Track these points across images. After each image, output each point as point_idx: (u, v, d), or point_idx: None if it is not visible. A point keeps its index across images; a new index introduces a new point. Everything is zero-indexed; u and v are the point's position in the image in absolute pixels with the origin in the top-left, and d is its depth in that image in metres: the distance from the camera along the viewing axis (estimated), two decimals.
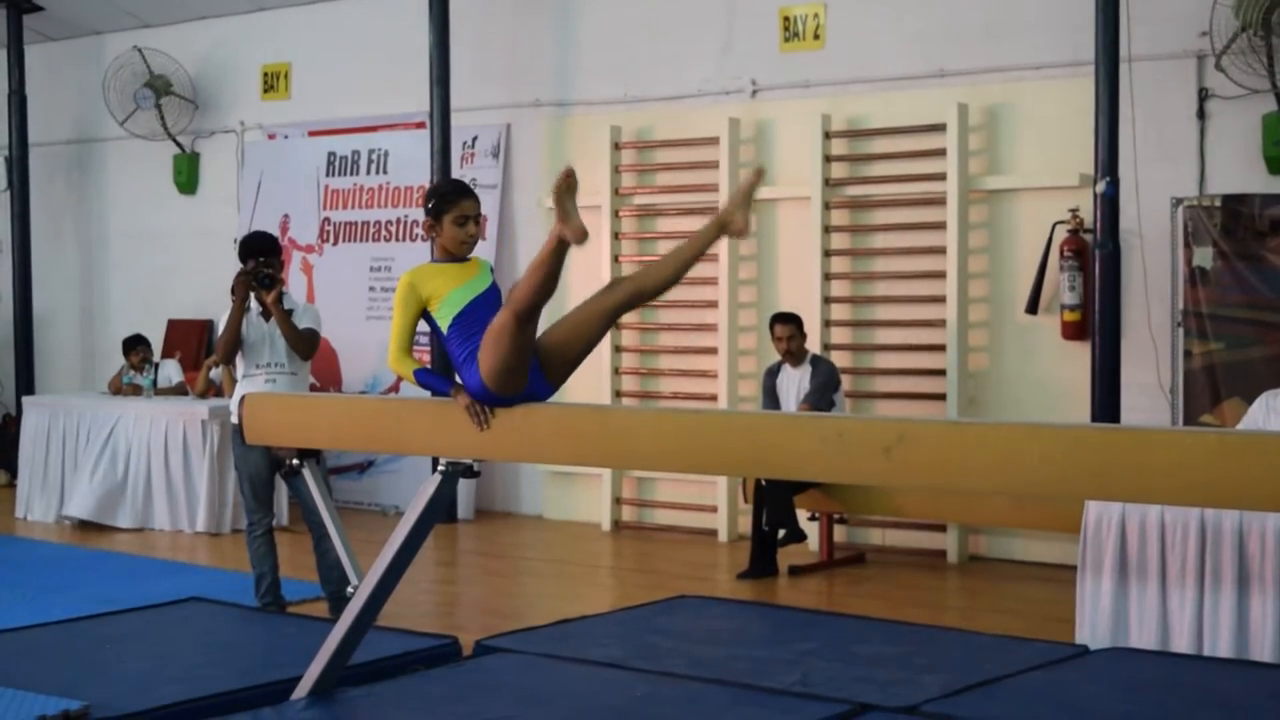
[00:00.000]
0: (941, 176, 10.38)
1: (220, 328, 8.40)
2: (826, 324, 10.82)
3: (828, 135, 10.88)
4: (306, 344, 8.33)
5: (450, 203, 5.67)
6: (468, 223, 5.67)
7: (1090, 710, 6.09)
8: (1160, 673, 6.66)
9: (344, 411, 6.43)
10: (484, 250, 12.45)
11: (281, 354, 8.31)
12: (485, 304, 5.53)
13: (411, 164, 12.81)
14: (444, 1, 11.90)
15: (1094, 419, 9.23)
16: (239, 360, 8.36)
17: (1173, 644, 7.15)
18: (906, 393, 10.61)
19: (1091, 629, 7.34)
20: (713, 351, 11.36)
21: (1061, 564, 9.36)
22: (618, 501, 11.72)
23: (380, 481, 12.62)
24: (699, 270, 11.18)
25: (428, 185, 11.92)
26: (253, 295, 8.30)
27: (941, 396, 10.35)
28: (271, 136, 14.04)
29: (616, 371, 11.70)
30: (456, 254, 5.68)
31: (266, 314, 8.30)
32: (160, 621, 7.84)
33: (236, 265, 8.45)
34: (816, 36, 11.14)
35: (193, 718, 5.96)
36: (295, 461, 7.73)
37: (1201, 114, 9.72)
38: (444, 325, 5.52)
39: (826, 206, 10.87)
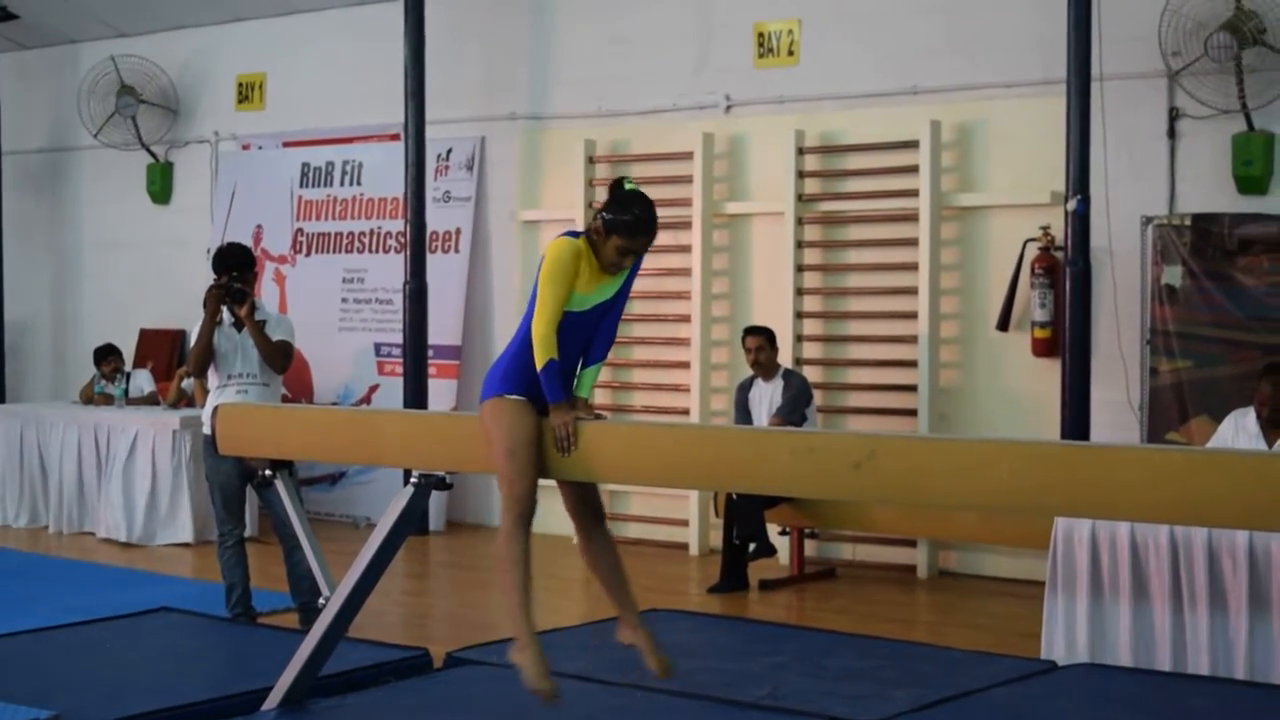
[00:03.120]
0: (914, 193, 10.42)
1: (192, 339, 8.40)
2: (799, 339, 10.86)
3: (801, 151, 10.92)
4: (281, 356, 8.34)
5: (629, 234, 5.24)
6: (627, 257, 5.31)
7: None
8: (1128, 688, 6.70)
9: (316, 422, 6.46)
10: (457, 264, 12.48)
11: (254, 364, 8.31)
12: (583, 321, 5.33)
13: (386, 176, 12.81)
14: (419, 14, 11.91)
15: (1063, 436, 9.27)
16: (211, 371, 8.35)
17: (1140, 660, 7.19)
18: (878, 408, 10.65)
19: (1059, 645, 7.38)
20: (685, 365, 11.38)
21: (1031, 580, 9.39)
22: None
23: (352, 493, 12.61)
24: (672, 284, 11.34)
25: (403, 197, 11.96)
26: (225, 307, 8.30)
27: (912, 412, 10.39)
28: (246, 147, 14.03)
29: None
30: (601, 266, 5.34)
31: (239, 325, 8.31)
32: (131, 632, 7.82)
33: (210, 276, 8.46)
34: (790, 53, 11.19)
35: None
36: (268, 472, 7.71)
37: (1172, 133, 9.78)
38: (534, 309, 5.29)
39: (799, 222, 10.91)
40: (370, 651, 7.09)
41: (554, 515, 11.75)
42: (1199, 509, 4.31)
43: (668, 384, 11.54)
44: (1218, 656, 7.06)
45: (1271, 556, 6.93)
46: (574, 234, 5.37)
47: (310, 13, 13.54)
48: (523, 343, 5.36)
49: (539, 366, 5.25)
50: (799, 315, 10.89)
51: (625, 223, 5.25)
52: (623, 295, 5.48)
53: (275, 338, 8.32)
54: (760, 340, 9.94)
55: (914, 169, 10.42)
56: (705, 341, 11.28)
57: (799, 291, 10.90)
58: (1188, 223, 9.50)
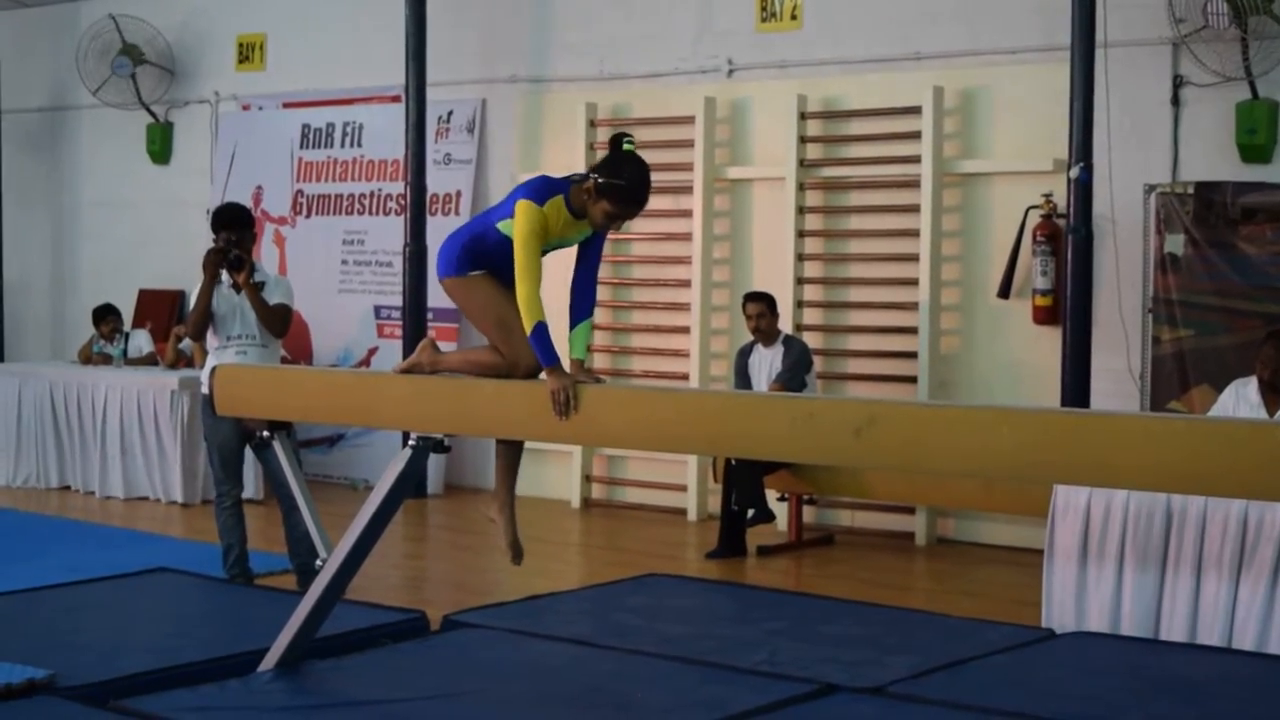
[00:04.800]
0: (916, 159, 10.38)
1: (191, 300, 8.38)
2: (799, 304, 10.83)
3: (803, 116, 10.88)
4: (279, 321, 8.31)
5: (620, 203, 5.27)
6: (615, 222, 5.33)
7: (1055, 693, 6.12)
8: (1125, 656, 6.70)
9: (315, 384, 6.44)
10: (454, 226, 12.42)
11: (252, 326, 8.28)
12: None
13: (386, 138, 12.77)
14: None
15: (1064, 404, 9.25)
16: (210, 332, 8.34)
17: (1138, 629, 7.18)
18: (878, 375, 10.62)
19: (1058, 613, 7.37)
20: (685, 331, 11.35)
21: (1029, 548, 9.39)
22: (588, 479, 11.73)
23: (350, 455, 12.60)
24: (672, 249, 11.32)
25: (403, 160, 11.93)
26: (224, 269, 8.28)
27: (913, 379, 10.37)
28: (246, 108, 13.98)
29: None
30: (583, 218, 5.33)
31: (237, 287, 8.28)
32: (127, 591, 7.83)
33: (209, 236, 8.43)
34: (793, 17, 11.13)
35: (159, 688, 5.95)
36: (265, 434, 7.72)
37: (1176, 101, 9.74)
38: (510, 235, 5.26)
39: (801, 187, 10.87)
40: (367, 614, 7.10)
41: (548, 480, 11.82)
42: (1199, 478, 4.30)
43: (667, 349, 11.52)
44: (1220, 625, 7.03)
45: (1264, 525, 6.90)
46: (540, 187, 5.35)
47: None
48: (481, 232, 5.43)
49: (528, 330, 5.22)
50: (800, 281, 10.86)
51: (618, 190, 5.25)
52: (598, 243, 5.50)
53: (274, 301, 8.29)
54: (761, 306, 9.92)
55: (916, 135, 10.38)
56: (705, 307, 11.26)
57: (800, 257, 10.87)
58: (1190, 191, 9.46)
